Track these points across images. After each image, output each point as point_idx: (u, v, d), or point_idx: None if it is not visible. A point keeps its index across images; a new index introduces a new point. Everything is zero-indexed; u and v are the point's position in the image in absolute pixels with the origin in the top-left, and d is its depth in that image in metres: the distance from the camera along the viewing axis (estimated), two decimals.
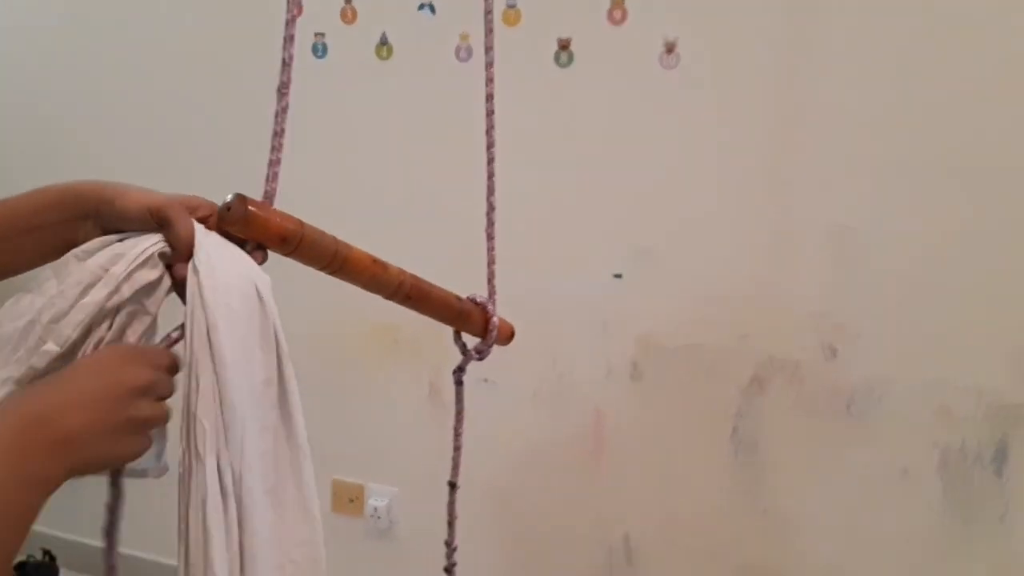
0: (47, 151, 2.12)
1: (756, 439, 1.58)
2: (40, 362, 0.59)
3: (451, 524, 1.10)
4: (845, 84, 1.44)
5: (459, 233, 1.76)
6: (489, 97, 0.98)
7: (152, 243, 0.62)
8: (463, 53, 1.66)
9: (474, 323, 0.96)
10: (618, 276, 1.62)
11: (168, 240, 0.62)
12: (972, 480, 1.45)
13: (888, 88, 1.42)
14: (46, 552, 2.20)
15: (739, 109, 1.51)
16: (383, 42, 1.73)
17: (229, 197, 0.65)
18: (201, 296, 0.60)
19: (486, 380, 1.73)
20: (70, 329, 0.59)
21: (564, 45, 1.59)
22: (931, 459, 1.46)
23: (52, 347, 0.59)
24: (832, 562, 1.56)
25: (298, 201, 2.03)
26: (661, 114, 1.55)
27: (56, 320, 0.60)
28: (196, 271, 0.60)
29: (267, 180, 0.70)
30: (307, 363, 2.05)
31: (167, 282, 0.62)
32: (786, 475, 1.57)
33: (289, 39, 0.72)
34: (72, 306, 0.60)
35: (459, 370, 1.01)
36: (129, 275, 0.60)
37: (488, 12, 0.95)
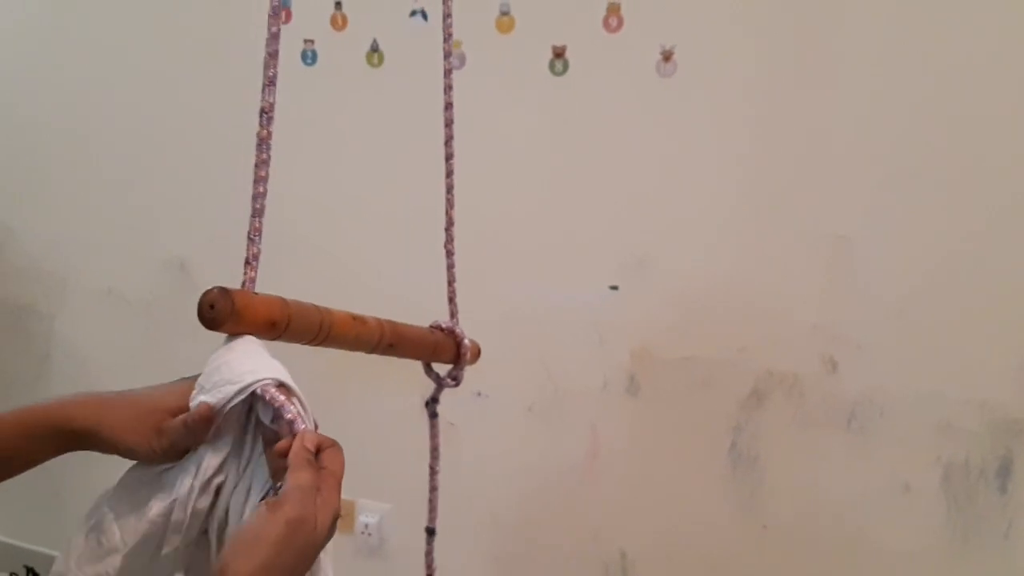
0: (33, 153, 2.09)
1: (755, 453, 1.55)
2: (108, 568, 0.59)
3: None
4: (845, 94, 1.42)
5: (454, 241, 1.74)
6: (448, 106, 0.98)
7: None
8: (456, 60, 1.64)
9: (446, 351, 0.93)
10: (614, 288, 1.59)
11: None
12: (975, 496, 1.42)
13: (887, 98, 1.40)
14: (29, 569, 2.16)
15: (736, 119, 1.49)
16: (374, 49, 1.70)
17: (208, 292, 0.60)
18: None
19: (480, 394, 1.70)
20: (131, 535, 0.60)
21: (559, 53, 1.57)
22: (934, 474, 1.44)
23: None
24: None
25: (287, 211, 2.00)
26: (657, 123, 1.53)
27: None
28: None
29: (246, 264, 0.64)
30: (296, 377, 2.02)
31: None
32: (786, 490, 1.54)
33: (272, 55, 0.67)
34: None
35: (432, 401, 0.96)
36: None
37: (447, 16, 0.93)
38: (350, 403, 1.85)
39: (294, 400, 0.60)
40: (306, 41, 1.74)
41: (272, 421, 0.60)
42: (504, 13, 1.59)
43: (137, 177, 1.98)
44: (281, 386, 0.59)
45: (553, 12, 1.56)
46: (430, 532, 1.01)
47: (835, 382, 1.48)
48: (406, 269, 1.73)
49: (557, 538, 1.72)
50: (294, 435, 0.58)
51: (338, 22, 1.72)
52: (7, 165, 2.11)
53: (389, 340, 0.79)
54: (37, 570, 2.13)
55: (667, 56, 1.50)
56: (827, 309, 1.47)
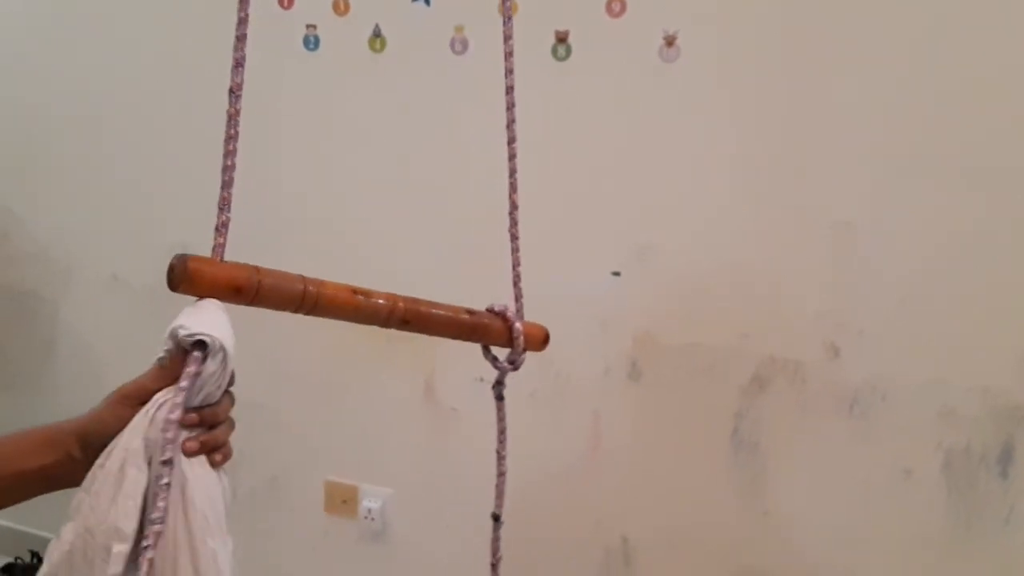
0: (39, 141, 2.09)
1: (757, 440, 1.55)
2: (116, 569, 0.58)
3: (495, 567, 1.05)
4: (848, 79, 1.41)
5: (455, 229, 1.75)
6: (509, 90, 0.94)
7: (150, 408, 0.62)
8: (458, 45, 1.63)
9: (496, 334, 0.92)
10: (616, 274, 1.59)
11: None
12: (977, 482, 1.42)
13: (892, 83, 1.39)
14: (34, 554, 2.17)
15: (740, 104, 1.48)
16: (376, 34, 1.69)
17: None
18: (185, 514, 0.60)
19: (481, 379, 1.70)
20: (126, 520, 0.59)
21: (562, 38, 1.56)
22: (935, 460, 1.44)
23: (121, 547, 0.59)
24: (834, 564, 1.53)
25: (290, 197, 1.99)
26: (661, 108, 1.53)
27: (104, 521, 0.59)
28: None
29: (216, 232, 0.66)
30: (300, 362, 2.03)
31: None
32: (787, 476, 1.55)
33: (241, 39, 0.70)
34: (113, 499, 0.60)
35: (498, 384, 0.97)
36: (145, 439, 0.61)
37: (507, 20, 0.91)
38: (354, 389, 1.86)
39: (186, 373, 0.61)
40: (308, 26, 1.74)
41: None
42: None
43: (141, 164, 1.98)
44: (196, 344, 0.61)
45: None
46: (496, 518, 1.04)
47: (837, 368, 1.48)
48: (411, 252, 1.74)
49: (559, 524, 1.73)
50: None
51: (340, 7, 1.71)
52: (13, 153, 2.12)
53: (404, 316, 0.78)
54: (41, 555, 2.15)
55: (670, 41, 1.49)
56: (830, 295, 1.47)
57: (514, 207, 0.97)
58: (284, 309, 0.68)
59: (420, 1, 1.65)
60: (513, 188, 0.96)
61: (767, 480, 1.56)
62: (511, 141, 0.94)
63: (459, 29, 1.62)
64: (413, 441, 1.81)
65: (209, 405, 0.64)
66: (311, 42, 1.74)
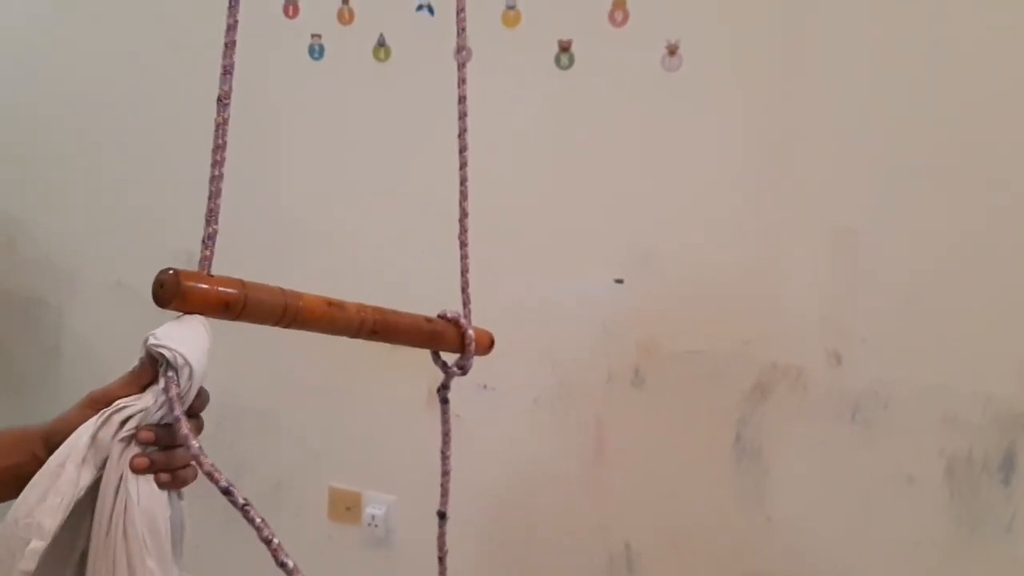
0: (44, 148, 2.10)
1: (759, 446, 1.56)
2: (29, 565, 0.56)
3: (441, 560, 1.03)
4: (849, 86, 1.42)
5: (457, 235, 1.75)
6: (461, 99, 0.97)
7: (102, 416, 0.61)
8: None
9: (449, 340, 0.94)
10: (619, 281, 1.60)
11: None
12: (979, 488, 1.43)
13: (893, 90, 1.40)
14: None
15: (742, 112, 1.49)
16: (381, 43, 1.71)
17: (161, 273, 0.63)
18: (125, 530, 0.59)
19: (485, 386, 1.71)
20: (50, 518, 0.57)
21: (565, 47, 1.57)
22: (937, 467, 1.44)
23: (37, 544, 0.56)
24: (836, 571, 1.53)
25: (294, 205, 2.00)
26: (663, 117, 1.54)
27: (30, 514, 0.57)
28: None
29: (203, 244, 0.65)
30: (304, 369, 2.04)
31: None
32: (790, 482, 1.55)
33: (230, 45, 0.67)
34: (44, 494, 0.58)
35: (443, 387, 0.98)
36: (94, 436, 0.59)
37: (460, 11, 0.94)
38: (357, 395, 1.86)
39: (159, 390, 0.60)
40: (313, 36, 1.75)
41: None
42: (510, 7, 1.59)
43: (145, 171, 1.99)
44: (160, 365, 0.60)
45: (559, 6, 1.57)
46: (441, 516, 1.02)
47: (839, 375, 1.48)
48: (414, 262, 1.74)
49: (562, 529, 1.73)
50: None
51: (345, 16, 1.72)
52: (18, 160, 2.13)
53: (372, 327, 0.80)
54: None
55: (672, 50, 1.50)
56: (832, 302, 1.48)
57: (464, 215, 0.99)
58: (266, 323, 0.67)
59: (424, 11, 1.66)
60: (464, 196, 0.98)
61: (769, 486, 1.56)
62: (462, 150, 0.97)
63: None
64: (417, 447, 1.81)
65: (168, 424, 0.62)
66: (316, 51, 1.75)
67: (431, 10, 1.65)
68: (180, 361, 0.59)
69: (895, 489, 1.47)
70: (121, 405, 0.61)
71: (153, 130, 1.96)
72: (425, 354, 1.78)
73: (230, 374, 1.83)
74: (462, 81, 0.94)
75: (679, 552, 1.65)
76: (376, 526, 1.86)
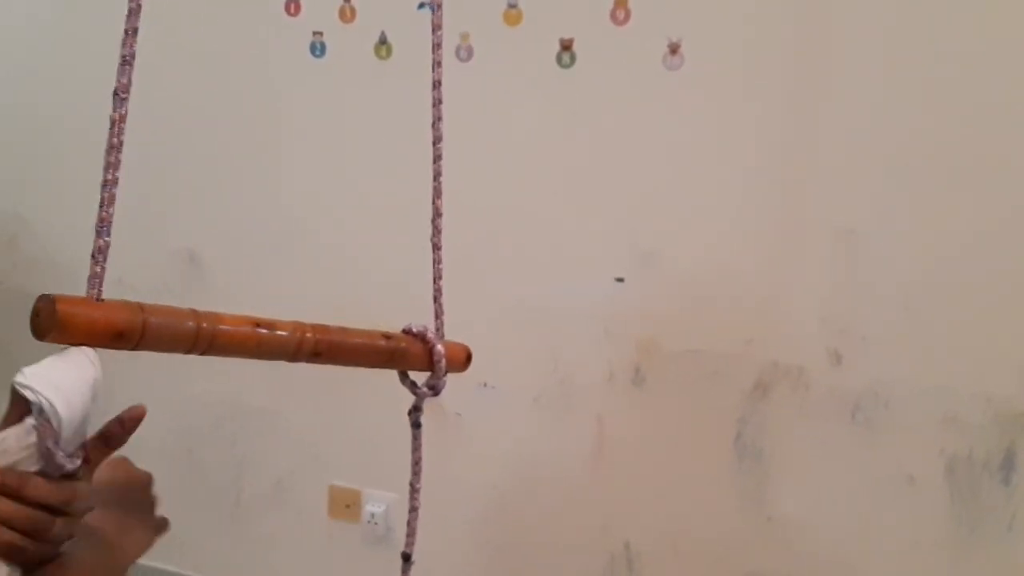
0: (46, 146, 2.11)
1: (760, 445, 1.55)
2: None
3: None
4: (851, 86, 1.42)
5: (459, 234, 1.75)
6: (436, 84, 0.86)
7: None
8: (463, 53, 1.64)
9: (415, 359, 0.81)
10: (620, 280, 1.59)
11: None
12: (979, 488, 1.43)
13: (894, 91, 1.40)
14: None
15: (743, 111, 1.49)
16: (382, 41, 1.71)
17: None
18: None
19: (486, 385, 1.71)
20: None
21: (566, 46, 1.57)
22: (938, 467, 1.44)
23: None
24: (837, 570, 1.53)
25: (295, 202, 2.00)
26: (664, 116, 1.53)
27: None
28: None
29: (92, 259, 0.57)
30: (304, 367, 2.03)
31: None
32: (790, 482, 1.55)
33: (131, 32, 0.61)
34: None
35: (414, 410, 0.85)
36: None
37: (437, 8, 0.86)
38: (358, 394, 1.86)
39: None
40: (315, 33, 1.75)
41: None
42: (512, 6, 1.59)
43: (147, 169, 1.99)
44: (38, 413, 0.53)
45: (561, 5, 1.57)
46: (406, 558, 0.86)
47: (840, 375, 1.48)
48: (414, 262, 1.74)
49: (562, 529, 1.73)
50: None
51: (347, 14, 1.72)
52: (21, 157, 2.13)
53: (314, 349, 0.70)
54: None
55: (674, 49, 1.50)
56: (832, 302, 1.47)
57: (437, 214, 0.86)
58: (175, 351, 0.59)
59: (426, 8, 1.66)
60: (437, 193, 0.86)
61: (770, 486, 1.56)
62: (436, 141, 0.86)
63: (465, 37, 1.64)
64: None
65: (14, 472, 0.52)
66: (318, 49, 1.75)
67: (432, 8, 1.65)
68: (38, 408, 0.52)
69: (895, 489, 1.47)
70: None
71: (155, 129, 1.96)
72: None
73: (230, 373, 1.83)
74: (436, 64, 0.86)
75: (679, 552, 1.65)
76: (376, 524, 1.86)
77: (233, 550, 2.02)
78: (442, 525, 1.82)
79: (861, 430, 1.48)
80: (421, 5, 1.65)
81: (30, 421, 0.53)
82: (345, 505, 1.90)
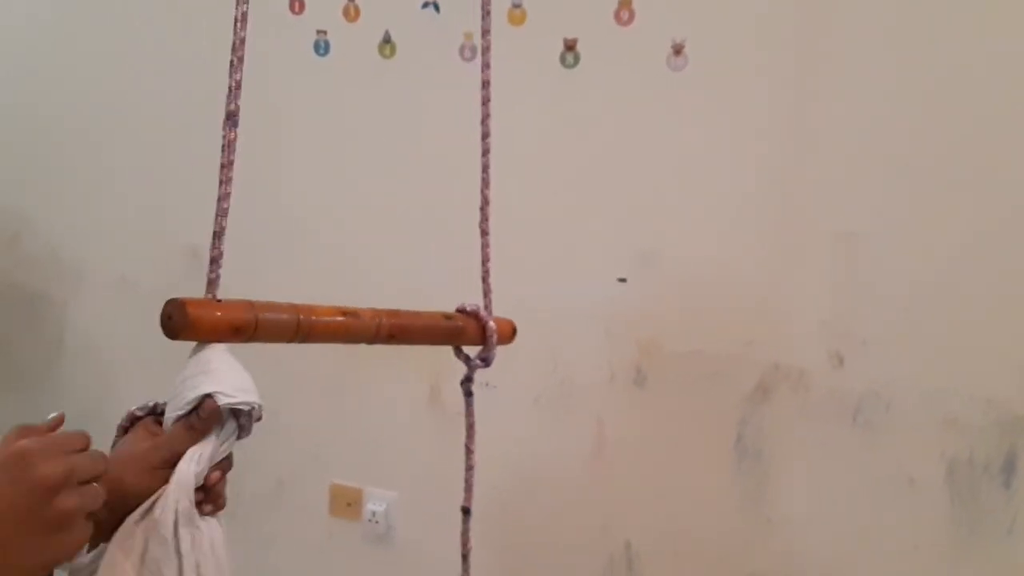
0: (49, 144, 2.11)
1: (760, 447, 1.55)
2: None
3: (465, 558, 1.05)
4: (854, 89, 1.42)
5: (465, 234, 1.75)
6: (485, 84, 0.97)
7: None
8: (467, 52, 1.65)
9: (471, 334, 0.93)
10: (622, 280, 1.60)
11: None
12: (980, 491, 1.42)
13: (898, 93, 1.40)
14: None
15: (747, 113, 1.49)
16: (386, 40, 1.71)
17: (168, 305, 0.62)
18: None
19: (487, 384, 1.71)
20: None
21: (570, 46, 1.57)
22: (938, 469, 1.44)
23: None
24: (837, 572, 1.53)
25: (298, 202, 2.00)
26: (668, 117, 1.54)
27: None
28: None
29: (209, 267, 0.65)
30: (306, 366, 2.04)
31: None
32: (791, 484, 1.55)
33: (237, 63, 0.69)
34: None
35: (467, 380, 0.97)
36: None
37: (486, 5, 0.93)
38: (359, 392, 1.86)
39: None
40: (319, 32, 1.75)
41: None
42: (516, 6, 1.59)
43: (150, 167, 2.00)
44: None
45: (564, 5, 1.57)
46: (465, 511, 1.05)
47: (841, 377, 1.48)
48: (419, 259, 1.75)
49: (562, 529, 1.73)
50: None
51: (351, 13, 1.72)
52: (24, 155, 2.14)
53: (389, 332, 0.78)
54: None
55: (678, 50, 1.50)
56: (834, 304, 1.47)
57: (486, 202, 0.97)
58: (279, 341, 0.67)
59: (430, 7, 1.66)
60: (485, 183, 0.96)
61: (770, 487, 1.56)
62: (485, 136, 0.97)
63: (468, 36, 1.64)
64: (418, 445, 1.82)
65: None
66: (321, 47, 1.76)
67: (436, 7, 1.65)
68: (257, 409, 0.63)
69: (896, 491, 1.47)
70: (193, 468, 0.64)
71: (159, 126, 1.97)
72: (427, 350, 1.79)
73: None
74: (486, 66, 0.97)
75: (679, 552, 1.65)
76: (377, 522, 1.86)
77: (234, 548, 2.02)
78: (442, 524, 1.82)
79: (862, 432, 1.48)
80: (425, 4, 1.66)
81: (231, 424, 0.63)
82: (346, 503, 1.90)
